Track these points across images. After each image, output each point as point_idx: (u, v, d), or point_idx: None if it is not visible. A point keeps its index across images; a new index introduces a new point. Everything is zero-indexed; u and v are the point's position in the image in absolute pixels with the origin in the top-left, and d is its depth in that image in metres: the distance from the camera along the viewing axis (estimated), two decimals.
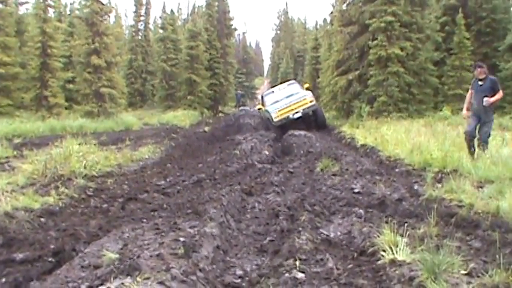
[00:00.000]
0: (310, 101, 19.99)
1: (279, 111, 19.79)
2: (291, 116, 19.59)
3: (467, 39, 27.65)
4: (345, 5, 27.80)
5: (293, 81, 25.04)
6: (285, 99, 20.60)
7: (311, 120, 21.22)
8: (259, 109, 23.49)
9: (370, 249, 4.68)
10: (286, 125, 19.58)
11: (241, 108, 44.61)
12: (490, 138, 10.25)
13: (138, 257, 4.12)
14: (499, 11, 30.57)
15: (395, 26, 23.27)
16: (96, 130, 20.82)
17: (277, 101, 20.92)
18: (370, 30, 24.26)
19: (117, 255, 4.20)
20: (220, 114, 43.03)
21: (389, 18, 23.09)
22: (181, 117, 31.92)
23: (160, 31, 45.88)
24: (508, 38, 27.43)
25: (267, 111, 20.88)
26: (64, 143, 12.00)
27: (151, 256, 4.14)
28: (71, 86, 30.50)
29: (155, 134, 19.77)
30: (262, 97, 23.70)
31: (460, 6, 29.00)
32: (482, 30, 29.91)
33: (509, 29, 28.34)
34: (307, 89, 21.72)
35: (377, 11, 23.72)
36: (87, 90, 26.83)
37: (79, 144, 12.03)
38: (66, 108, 28.10)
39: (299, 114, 19.64)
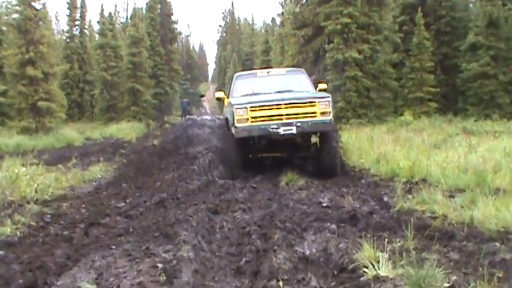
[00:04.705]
0: (323, 113, 11.24)
1: (251, 108, 11.22)
2: (273, 128, 11.06)
3: (427, 39, 28.50)
4: (298, 6, 28.39)
5: (300, 69, 15.80)
6: (275, 95, 12.21)
7: (308, 150, 13.05)
8: (218, 98, 14.02)
9: (351, 266, 4.95)
10: (257, 146, 12.46)
11: (188, 117, 44.73)
12: (456, 144, 10.82)
13: (118, 286, 4.29)
14: (459, 8, 31.72)
15: (352, 28, 24.01)
16: (36, 148, 20.52)
17: (257, 94, 12.62)
18: (325, 32, 24.94)
19: (95, 286, 4.35)
20: (167, 125, 42.91)
21: (346, 19, 23.80)
22: (126, 130, 31.81)
23: (97, 36, 45.61)
24: (468, 37, 28.46)
25: (229, 104, 12.29)
26: (4, 163, 11.94)
27: (132, 285, 4.31)
28: (2, 99, 29.92)
29: (101, 150, 19.70)
30: (232, 80, 14.51)
31: (418, 4, 29.98)
32: (442, 29, 31.01)
33: (469, 27, 29.32)
34: (321, 90, 12.97)
35: (332, 12, 24.38)
36: (23, 104, 26.42)
37: (22, 165, 11.97)
38: None
39: (291, 131, 11.04)
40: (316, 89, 13.09)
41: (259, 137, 11.84)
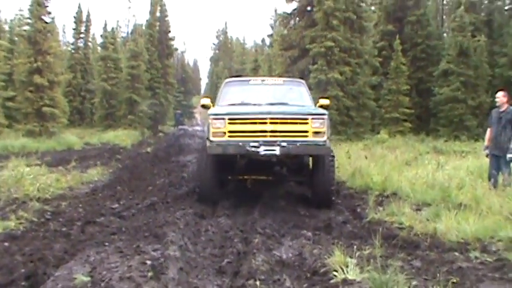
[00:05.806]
0: (316, 133, 8.67)
1: (230, 120, 8.66)
2: (252, 147, 8.43)
3: (404, 64, 29.00)
4: (286, 29, 28.68)
5: (300, 80, 12.23)
6: (265, 107, 9.41)
7: (300, 174, 10.52)
8: (203, 106, 10.29)
9: (322, 270, 5.07)
10: (238, 166, 10.14)
11: (180, 127, 45.06)
12: (426, 162, 11.01)
13: (110, 279, 4.39)
14: (434, 37, 32.53)
15: (335, 51, 24.24)
16: (39, 150, 20.49)
17: (245, 104, 9.97)
18: (310, 54, 25.17)
19: (89, 278, 4.45)
20: (160, 134, 42.94)
21: (329, 43, 24.02)
22: (122, 136, 31.69)
23: (99, 49, 45.60)
24: (441, 64, 29.08)
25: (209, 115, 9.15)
26: (10, 163, 11.99)
27: (122, 279, 4.41)
28: (10, 104, 29.93)
29: (98, 154, 19.67)
30: (222, 87, 11.29)
31: (397, 32, 30.62)
32: (418, 55, 31.73)
33: (443, 55, 29.95)
34: (322, 107, 9.90)
35: (317, 36, 24.62)
36: (29, 109, 26.44)
37: (27, 165, 12.02)
38: (6, 127, 27.53)
39: (273, 152, 8.43)
40: (316, 104, 10.26)
41: (239, 156, 9.51)
